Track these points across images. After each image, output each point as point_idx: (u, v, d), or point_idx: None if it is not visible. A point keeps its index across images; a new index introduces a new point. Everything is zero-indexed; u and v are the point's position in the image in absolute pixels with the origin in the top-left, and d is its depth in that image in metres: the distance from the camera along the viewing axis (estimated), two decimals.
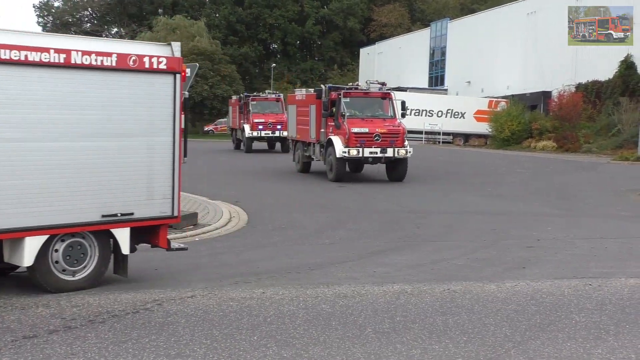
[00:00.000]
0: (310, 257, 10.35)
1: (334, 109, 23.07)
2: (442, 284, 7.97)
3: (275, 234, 13.01)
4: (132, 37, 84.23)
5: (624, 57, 42.04)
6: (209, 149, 40.62)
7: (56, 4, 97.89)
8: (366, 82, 25.00)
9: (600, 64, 44.05)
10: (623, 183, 22.54)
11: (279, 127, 35.59)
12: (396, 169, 23.08)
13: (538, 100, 48.96)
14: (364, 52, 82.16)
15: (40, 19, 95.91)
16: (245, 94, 42.38)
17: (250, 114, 36.89)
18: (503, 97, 49.38)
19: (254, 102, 37.75)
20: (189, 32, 76.95)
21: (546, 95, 48.17)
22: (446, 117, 48.34)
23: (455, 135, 48.03)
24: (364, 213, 15.77)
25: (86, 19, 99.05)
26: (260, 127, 36.40)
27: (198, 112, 71.93)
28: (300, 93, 27.96)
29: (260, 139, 37.35)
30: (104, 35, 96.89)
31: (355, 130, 22.23)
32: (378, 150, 22.14)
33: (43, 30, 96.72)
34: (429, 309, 6.87)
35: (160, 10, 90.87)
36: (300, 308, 6.86)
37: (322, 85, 25.44)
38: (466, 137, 47.56)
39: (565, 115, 41.19)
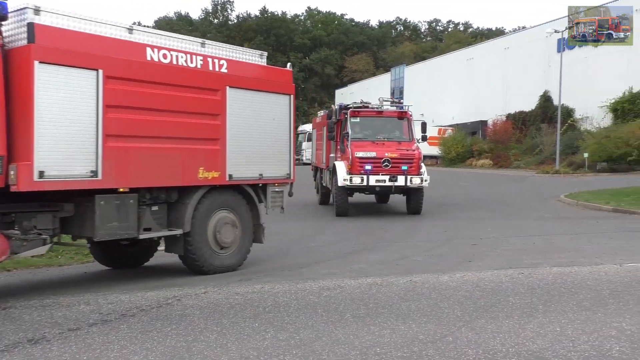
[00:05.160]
0: (299, 258, 10.31)
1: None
2: (405, 277, 7.92)
3: (270, 239, 12.91)
4: None
5: (542, 92, 42.61)
6: None
7: None
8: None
9: (525, 97, 44.53)
10: (545, 191, 22.69)
11: (404, 167, 15.92)
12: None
13: (477, 128, 49.47)
14: (338, 92, 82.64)
15: None
16: (341, 103, 17.94)
17: (348, 143, 16.40)
18: (449, 126, 49.81)
19: (356, 120, 16.95)
20: None
21: (483, 123, 48.75)
22: None
23: None
24: (339, 221, 15.67)
25: None
26: (368, 167, 15.81)
27: None
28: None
29: (366, 189, 16.41)
30: None
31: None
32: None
33: None
34: (395, 297, 6.83)
35: None
36: (292, 299, 6.80)
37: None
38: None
39: (499, 139, 41.82)
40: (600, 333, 5.31)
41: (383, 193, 17.00)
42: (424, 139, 17.24)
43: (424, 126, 17.32)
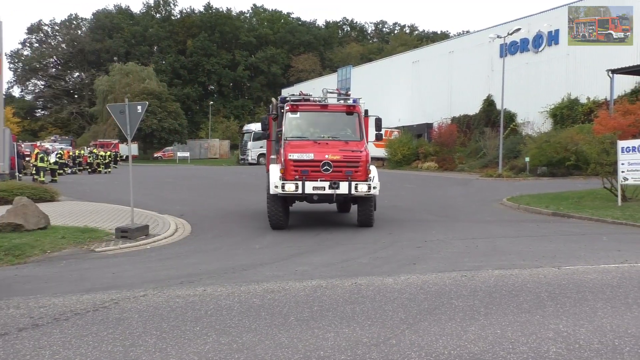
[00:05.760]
0: (243, 260, 10.18)
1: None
2: (350, 279, 7.95)
3: (214, 241, 12.77)
4: (92, 81, 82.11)
5: (486, 96, 43.70)
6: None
7: (25, 53, 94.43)
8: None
9: (469, 101, 45.60)
10: (488, 195, 23.20)
11: (348, 172, 13.44)
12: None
13: (422, 130, 50.20)
14: (285, 92, 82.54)
15: (11, 65, 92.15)
16: (282, 97, 15.31)
17: (283, 143, 14.06)
18: (396, 128, 50.39)
19: (295, 115, 14.37)
20: (140, 76, 75.71)
21: (429, 126, 49.49)
22: None
23: None
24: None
25: (52, 65, 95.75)
26: (305, 171, 13.33)
27: (149, 141, 70.66)
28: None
29: (302, 198, 13.90)
30: (67, 79, 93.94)
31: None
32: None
33: (14, 75, 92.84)
34: (340, 299, 6.84)
35: (115, 58, 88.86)
36: (235, 302, 6.72)
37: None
38: None
39: (444, 142, 42.42)
40: (539, 335, 5.47)
41: (323, 202, 13.90)
42: (379, 137, 15.40)
43: (378, 123, 14.96)
